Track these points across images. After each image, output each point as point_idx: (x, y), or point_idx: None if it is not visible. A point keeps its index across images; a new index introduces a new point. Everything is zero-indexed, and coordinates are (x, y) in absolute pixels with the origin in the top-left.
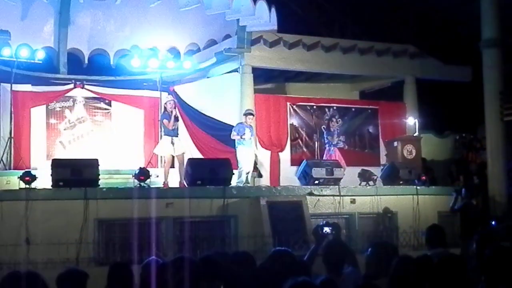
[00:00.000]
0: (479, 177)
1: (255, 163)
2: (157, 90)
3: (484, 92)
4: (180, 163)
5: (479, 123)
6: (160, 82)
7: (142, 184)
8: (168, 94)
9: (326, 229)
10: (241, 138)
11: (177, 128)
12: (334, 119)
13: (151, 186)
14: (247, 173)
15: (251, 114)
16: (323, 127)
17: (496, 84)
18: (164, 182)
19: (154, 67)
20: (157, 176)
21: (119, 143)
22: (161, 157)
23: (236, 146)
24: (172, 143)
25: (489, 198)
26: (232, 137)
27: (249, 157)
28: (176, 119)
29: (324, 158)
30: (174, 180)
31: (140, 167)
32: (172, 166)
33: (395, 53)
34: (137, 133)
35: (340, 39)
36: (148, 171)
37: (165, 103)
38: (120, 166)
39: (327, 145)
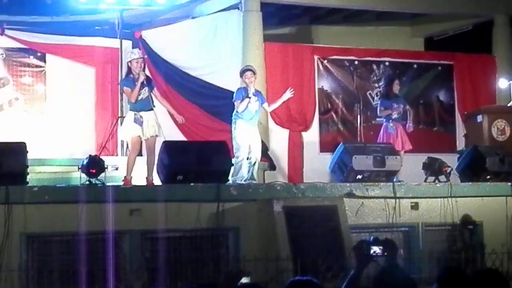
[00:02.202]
0: None
1: (265, 149)
2: (116, 38)
3: None
4: (149, 150)
5: None
6: (120, 25)
7: (94, 180)
8: (134, 45)
9: (375, 249)
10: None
11: (150, 98)
12: (397, 81)
13: (107, 183)
14: (253, 163)
15: (250, 70)
16: (370, 93)
17: None
18: (125, 178)
19: (110, 2)
20: (117, 169)
21: (58, 118)
22: (122, 140)
23: (233, 122)
24: (139, 121)
25: None
26: (238, 108)
27: (255, 138)
28: (146, 85)
29: (379, 141)
30: (143, 175)
31: (90, 155)
32: (140, 154)
33: None
34: (85, 103)
35: None
36: (103, 161)
37: (129, 61)
38: (59, 154)
39: (384, 121)
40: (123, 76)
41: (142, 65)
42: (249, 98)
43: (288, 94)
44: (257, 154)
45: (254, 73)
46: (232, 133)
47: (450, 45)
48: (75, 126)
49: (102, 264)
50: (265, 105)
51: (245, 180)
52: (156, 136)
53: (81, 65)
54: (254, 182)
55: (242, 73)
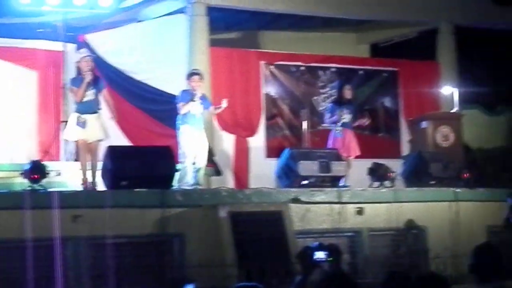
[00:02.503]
0: None
1: (211, 154)
2: (59, 41)
3: None
4: (92, 154)
5: None
6: (63, 28)
7: (36, 186)
8: (79, 48)
9: (320, 254)
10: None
11: (96, 100)
12: (348, 87)
13: (50, 189)
14: (198, 168)
15: (197, 74)
16: (316, 99)
17: None
18: (83, 180)
19: (53, 4)
20: (59, 174)
21: None
22: (65, 144)
23: (177, 126)
24: (82, 124)
25: None
26: (179, 109)
27: (201, 143)
28: (94, 86)
29: (329, 146)
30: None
31: (33, 160)
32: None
33: None
34: (27, 107)
35: None
36: (45, 166)
37: (78, 61)
38: (1, 159)
39: (333, 126)
40: (70, 78)
41: (91, 64)
42: (194, 101)
43: (224, 104)
44: (202, 159)
45: (202, 77)
46: (178, 138)
47: (395, 52)
48: (17, 131)
49: (45, 271)
50: (211, 108)
51: (190, 186)
52: (100, 140)
53: (23, 68)
54: (199, 187)
55: (189, 76)
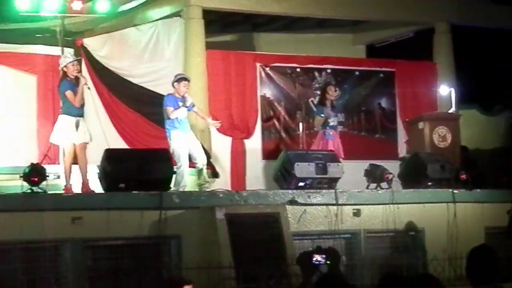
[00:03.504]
0: None
1: (207, 157)
2: (57, 45)
3: None
4: (80, 156)
5: None
6: (61, 32)
7: (35, 188)
8: (75, 54)
9: (317, 258)
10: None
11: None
12: (331, 87)
13: (49, 191)
14: (200, 168)
15: (184, 79)
16: (312, 100)
17: None
18: (65, 186)
19: (51, 9)
20: (58, 177)
21: None
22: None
23: (168, 132)
24: (77, 126)
25: None
26: (171, 115)
27: (193, 144)
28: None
29: (315, 148)
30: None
31: (32, 163)
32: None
33: None
34: (26, 112)
35: None
36: (44, 169)
37: (64, 66)
38: (0, 162)
39: (321, 128)
40: (61, 82)
41: (78, 67)
42: (186, 107)
43: (217, 125)
44: (202, 159)
45: (188, 81)
46: (169, 143)
47: (391, 52)
48: (16, 134)
49: (43, 273)
50: (195, 108)
51: (198, 185)
52: (87, 143)
53: (22, 73)
54: (207, 184)
55: (180, 80)
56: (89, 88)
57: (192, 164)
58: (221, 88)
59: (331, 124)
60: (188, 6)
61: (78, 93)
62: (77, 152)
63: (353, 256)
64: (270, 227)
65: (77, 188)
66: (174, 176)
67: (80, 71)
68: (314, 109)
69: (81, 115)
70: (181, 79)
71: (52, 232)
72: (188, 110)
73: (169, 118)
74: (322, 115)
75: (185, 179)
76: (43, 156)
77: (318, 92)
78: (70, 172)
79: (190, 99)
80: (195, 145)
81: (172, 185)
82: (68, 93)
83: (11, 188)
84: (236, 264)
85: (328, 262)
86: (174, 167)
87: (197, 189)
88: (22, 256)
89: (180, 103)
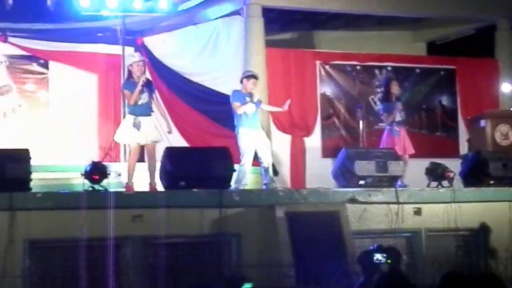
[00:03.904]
0: None
1: None
2: (118, 44)
3: None
4: (150, 155)
5: None
6: (122, 31)
7: (97, 186)
8: (135, 51)
9: (378, 257)
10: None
11: (149, 103)
12: (394, 81)
13: (110, 189)
14: (266, 167)
15: (253, 76)
16: (373, 98)
17: None
18: (127, 184)
19: (112, 9)
20: (119, 175)
21: (61, 125)
22: (125, 146)
23: (236, 129)
24: (138, 125)
25: None
26: (238, 111)
27: (261, 142)
28: (147, 89)
29: (382, 146)
30: (145, 181)
31: (93, 161)
32: (142, 160)
33: None
34: (88, 110)
35: None
36: (105, 167)
37: (130, 65)
38: (62, 160)
39: (386, 126)
40: (124, 81)
41: (143, 68)
42: (253, 103)
43: (285, 107)
44: (268, 158)
45: (257, 79)
46: (237, 140)
47: (452, 49)
48: (78, 133)
49: (104, 270)
50: (262, 105)
51: (264, 184)
52: (156, 142)
53: (84, 72)
54: (273, 185)
55: (249, 77)
56: (142, 86)
57: (256, 162)
58: (281, 86)
59: (397, 119)
60: (248, 5)
61: (135, 92)
62: (146, 152)
63: (414, 255)
64: (330, 226)
65: (140, 187)
66: (235, 173)
67: (143, 72)
68: (381, 106)
69: (146, 114)
70: (250, 76)
71: (113, 230)
72: (256, 106)
73: (235, 112)
74: (391, 111)
75: (247, 177)
76: (104, 154)
77: (378, 90)
78: (133, 170)
79: (257, 96)
80: (263, 144)
81: (232, 182)
82: (125, 92)
83: (72, 186)
84: (296, 262)
85: (389, 261)
86: (235, 165)
87: (257, 188)
88: (84, 253)
89: (248, 99)
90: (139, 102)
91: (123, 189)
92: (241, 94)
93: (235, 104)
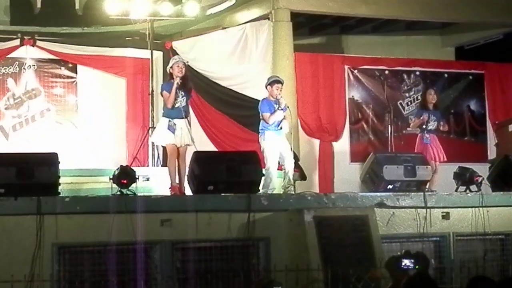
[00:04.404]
0: None
1: (295, 159)
2: (147, 49)
3: None
4: (181, 159)
5: None
6: (151, 36)
7: (125, 190)
8: (164, 58)
9: (406, 262)
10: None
11: (186, 106)
12: (431, 90)
13: (138, 193)
14: (287, 172)
15: (277, 82)
16: (401, 103)
17: None
18: (171, 185)
19: (141, 13)
20: (147, 179)
21: (89, 129)
22: (153, 150)
23: (260, 134)
24: (173, 128)
25: None
26: (269, 121)
27: (284, 147)
28: (185, 94)
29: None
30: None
31: (121, 166)
32: (165, 164)
33: None
34: (116, 114)
35: None
36: (134, 171)
37: (170, 67)
38: (91, 164)
39: (419, 131)
40: (162, 83)
41: (183, 69)
42: (281, 110)
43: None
44: (290, 163)
45: (282, 83)
46: (261, 144)
47: (480, 54)
48: (106, 137)
49: (133, 275)
50: (287, 111)
51: (282, 187)
52: (188, 145)
53: (112, 76)
54: (292, 187)
55: (272, 83)
56: (178, 83)
57: (280, 167)
58: (309, 91)
59: (429, 128)
60: (277, 9)
61: (171, 94)
62: (179, 155)
63: (442, 260)
64: (358, 230)
65: (163, 191)
66: (263, 178)
67: (184, 73)
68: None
69: (181, 117)
70: (274, 81)
71: (142, 234)
72: (284, 111)
73: (266, 122)
74: (420, 117)
75: (274, 182)
76: (132, 159)
77: (407, 95)
78: (175, 171)
79: (284, 101)
80: (286, 148)
81: (260, 187)
82: (164, 93)
83: (100, 190)
84: (324, 266)
85: (417, 266)
86: (263, 169)
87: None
88: (112, 257)
89: (276, 106)
90: (176, 105)
91: (169, 191)
92: (269, 103)
93: (265, 115)
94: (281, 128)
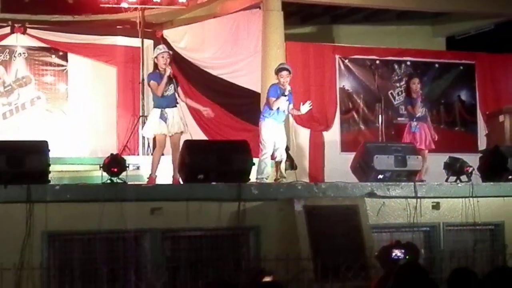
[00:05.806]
0: None
1: (286, 148)
2: (138, 37)
3: None
4: (174, 147)
5: None
6: (141, 24)
7: (115, 179)
8: (155, 46)
9: (397, 253)
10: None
11: (174, 95)
12: (415, 79)
13: (129, 182)
14: (279, 161)
15: (286, 69)
16: (392, 92)
17: None
18: (150, 176)
19: (132, 1)
20: (138, 168)
21: (80, 117)
22: (143, 138)
23: (261, 119)
24: (165, 117)
25: None
26: (272, 106)
27: (280, 136)
28: (173, 82)
29: (403, 141)
30: (167, 174)
31: (112, 154)
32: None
33: None
34: (106, 102)
35: None
36: (124, 160)
37: (155, 57)
38: (80, 152)
39: (408, 120)
40: (148, 72)
41: (168, 60)
42: (285, 96)
43: (306, 108)
44: (282, 152)
45: (290, 72)
46: (260, 129)
47: (471, 44)
48: (96, 125)
49: (123, 263)
50: (291, 106)
51: (275, 180)
52: (182, 132)
53: (103, 64)
54: (284, 180)
55: (278, 71)
56: (169, 76)
57: (272, 156)
58: (300, 80)
59: (417, 115)
60: None
61: (162, 83)
62: (171, 143)
63: (432, 250)
64: (348, 220)
65: (163, 180)
66: (256, 164)
67: (169, 63)
68: (404, 100)
69: (172, 106)
70: (280, 69)
71: (132, 223)
72: (288, 99)
73: (270, 109)
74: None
75: (268, 169)
76: (122, 147)
77: (398, 85)
78: (158, 163)
79: (288, 87)
80: (281, 139)
81: (255, 174)
82: (152, 83)
83: (91, 178)
84: (314, 255)
85: (407, 256)
86: (254, 158)
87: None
88: (103, 246)
89: (280, 92)
90: (166, 93)
91: (144, 182)
92: (276, 88)
93: (270, 99)
94: (284, 111)
